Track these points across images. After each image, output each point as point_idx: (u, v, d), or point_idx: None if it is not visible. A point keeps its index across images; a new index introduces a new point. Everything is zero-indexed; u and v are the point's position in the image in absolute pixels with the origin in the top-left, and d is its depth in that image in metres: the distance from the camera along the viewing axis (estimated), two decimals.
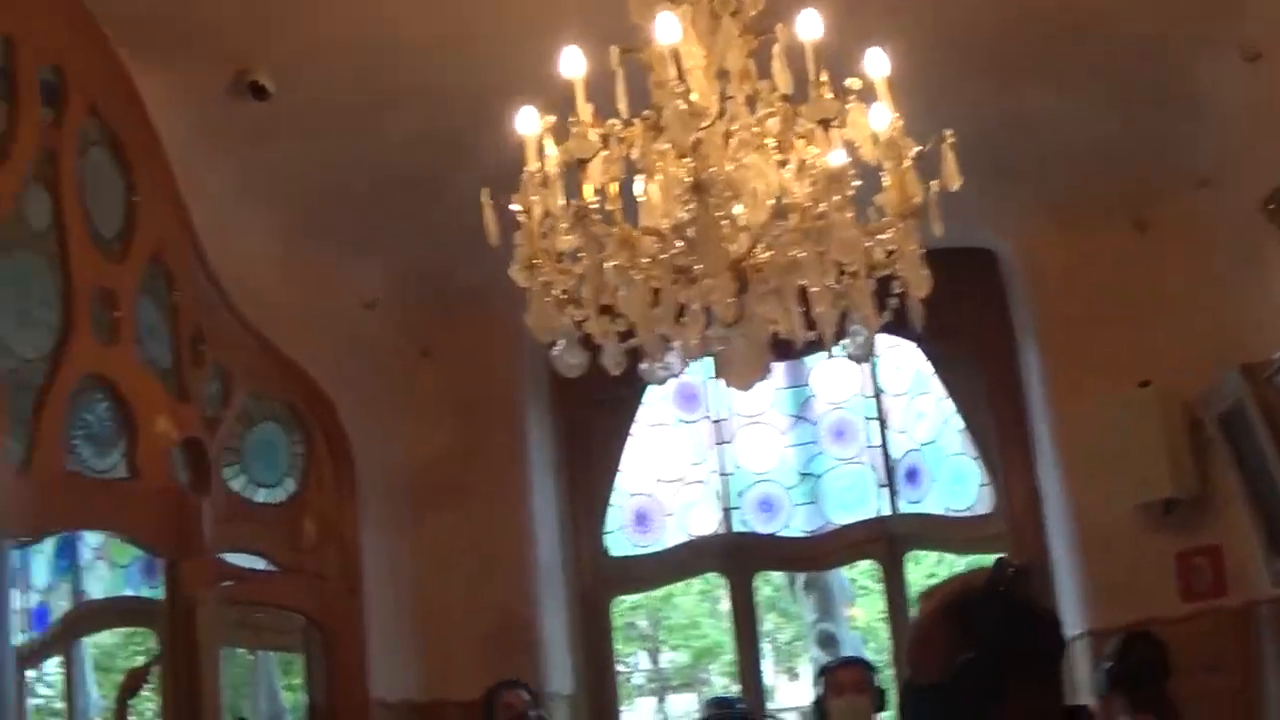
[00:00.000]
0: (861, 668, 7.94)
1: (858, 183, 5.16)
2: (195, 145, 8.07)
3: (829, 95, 5.07)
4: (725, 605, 12.77)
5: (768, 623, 19.64)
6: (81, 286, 7.07)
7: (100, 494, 7.23)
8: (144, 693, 7.70)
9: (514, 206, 5.40)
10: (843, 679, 7.72)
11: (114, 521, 7.60)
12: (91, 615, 11.85)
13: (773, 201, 5.15)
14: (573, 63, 5.25)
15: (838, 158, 5.10)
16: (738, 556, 10.61)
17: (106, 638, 16.89)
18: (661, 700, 23.84)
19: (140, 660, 8.50)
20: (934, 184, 5.20)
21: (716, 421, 10.89)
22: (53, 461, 6.84)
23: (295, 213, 8.96)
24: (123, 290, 7.40)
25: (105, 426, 7.28)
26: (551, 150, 5.37)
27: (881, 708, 7.66)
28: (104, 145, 7.46)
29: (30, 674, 12.80)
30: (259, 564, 8.81)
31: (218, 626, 7.86)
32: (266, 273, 8.87)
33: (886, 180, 5.25)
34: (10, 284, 6.71)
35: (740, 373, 5.43)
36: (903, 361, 10.40)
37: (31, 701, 14.72)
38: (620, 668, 21.81)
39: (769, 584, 18.05)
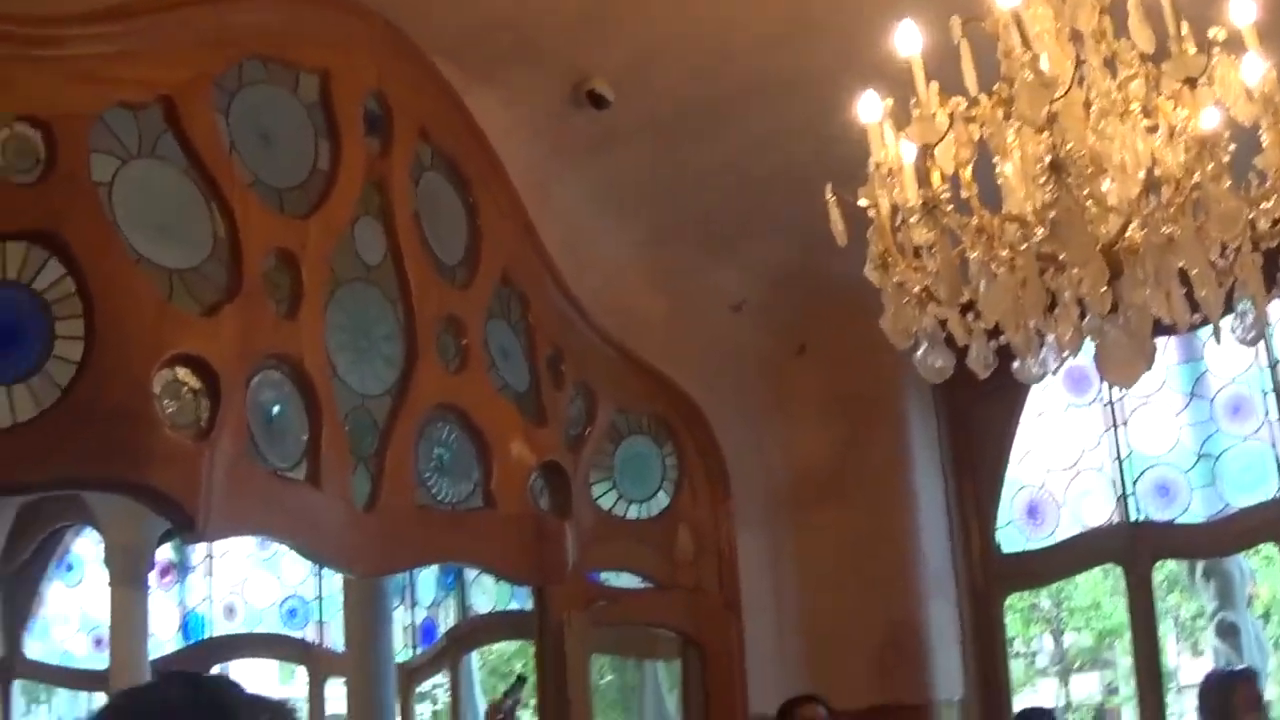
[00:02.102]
0: (1256, 682, 7.33)
1: (1233, 146, 4.39)
2: (539, 161, 7.73)
3: (1192, 50, 4.33)
4: None
5: (1170, 599, 18.65)
6: (424, 316, 6.77)
7: (453, 527, 6.90)
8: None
9: (861, 201, 4.80)
10: (1247, 696, 7.11)
11: (470, 553, 7.27)
12: (477, 629, 11.79)
13: (1143, 174, 4.44)
14: (908, 38, 4.61)
15: (1209, 119, 4.34)
16: (1134, 547, 9.70)
17: (497, 647, 17.15)
18: (1064, 682, 22.89)
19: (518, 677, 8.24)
20: None
21: (1109, 404, 10.08)
22: (401, 497, 6.55)
23: (651, 219, 8.54)
24: (469, 316, 7.09)
25: (458, 457, 6.97)
26: (891, 138, 4.76)
27: None
28: (439, 170, 7.15)
29: (419, 688, 12.88)
30: (636, 580, 8.47)
31: (587, 647, 7.56)
32: (626, 283, 8.48)
33: (1265, 139, 4.46)
34: (346, 320, 6.44)
35: (1121, 367, 4.70)
36: None
37: (422, 710, 15.02)
38: (1020, 653, 21.10)
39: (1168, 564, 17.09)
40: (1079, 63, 4.50)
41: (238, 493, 5.60)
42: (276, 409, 5.98)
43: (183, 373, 5.53)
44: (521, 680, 7.19)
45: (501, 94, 7.34)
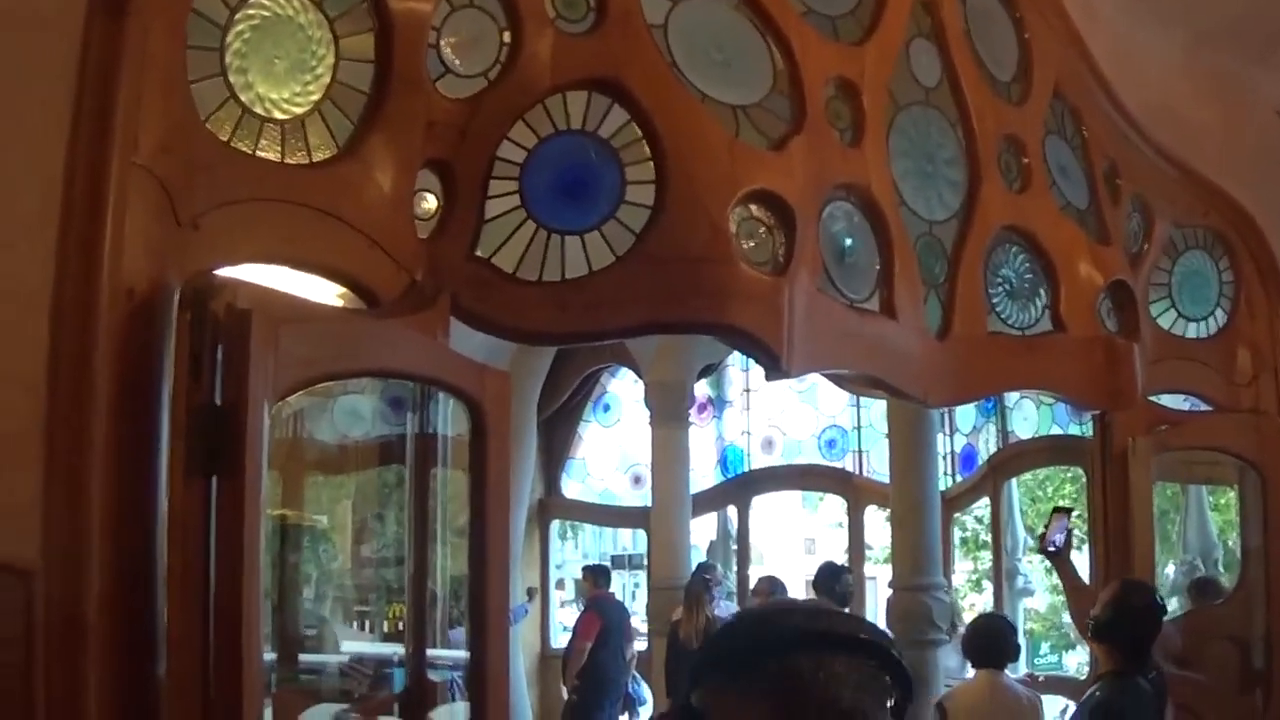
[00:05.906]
0: None
1: None
2: None
3: None
4: None
5: None
6: (985, 136, 6.40)
7: (1023, 352, 6.56)
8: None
9: None
10: None
11: (1038, 379, 6.93)
12: (1019, 455, 11.46)
13: None
14: None
15: None
16: None
17: (1036, 473, 16.77)
18: None
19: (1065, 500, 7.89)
20: None
21: None
22: (973, 324, 6.26)
23: (1192, 24, 7.81)
24: (1028, 134, 6.67)
25: (1025, 280, 6.59)
26: None
27: None
28: None
29: (957, 514, 12.66)
30: (1188, 403, 8.01)
31: (1151, 473, 7.13)
32: (1172, 92, 7.80)
33: None
34: (909, 145, 6.14)
35: None
36: None
37: (959, 534, 14.81)
38: None
39: None
40: None
41: (816, 326, 5.41)
42: (849, 240, 5.75)
43: (756, 209, 5.35)
44: (1063, 510, 6.84)
45: None
